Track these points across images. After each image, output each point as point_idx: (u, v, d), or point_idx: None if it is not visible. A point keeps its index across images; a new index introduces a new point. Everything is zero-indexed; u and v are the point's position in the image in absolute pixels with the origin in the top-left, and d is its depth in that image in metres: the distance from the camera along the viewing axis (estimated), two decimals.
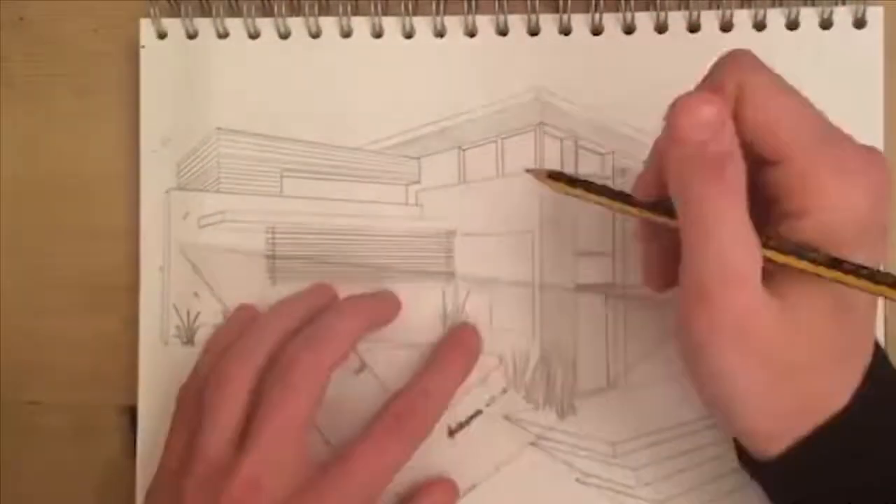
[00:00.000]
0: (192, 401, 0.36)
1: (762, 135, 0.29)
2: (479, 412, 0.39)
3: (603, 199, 0.32)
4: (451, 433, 0.39)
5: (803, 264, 0.28)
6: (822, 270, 0.28)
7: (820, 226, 0.28)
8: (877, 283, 0.28)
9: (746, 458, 0.32)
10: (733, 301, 0.28)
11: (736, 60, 0.30)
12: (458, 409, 0.39)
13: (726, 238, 0.28)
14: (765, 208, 0.30)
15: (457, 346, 0.38)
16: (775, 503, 0.33)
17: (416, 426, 0.35)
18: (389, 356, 0.39)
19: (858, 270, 0.28)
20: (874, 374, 0.31)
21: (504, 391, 0.39)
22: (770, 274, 0.29)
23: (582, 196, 0.33)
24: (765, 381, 0.29)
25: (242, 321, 0.39)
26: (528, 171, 0.36)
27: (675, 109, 0.28)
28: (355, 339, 0.37)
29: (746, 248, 0.28)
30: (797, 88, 0.30)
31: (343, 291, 0.39)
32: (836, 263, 0.28)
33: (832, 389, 0.30)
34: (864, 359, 0.31)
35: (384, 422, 0.35)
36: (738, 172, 0.28)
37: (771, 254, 0.28)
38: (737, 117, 0.29)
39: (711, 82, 0.30)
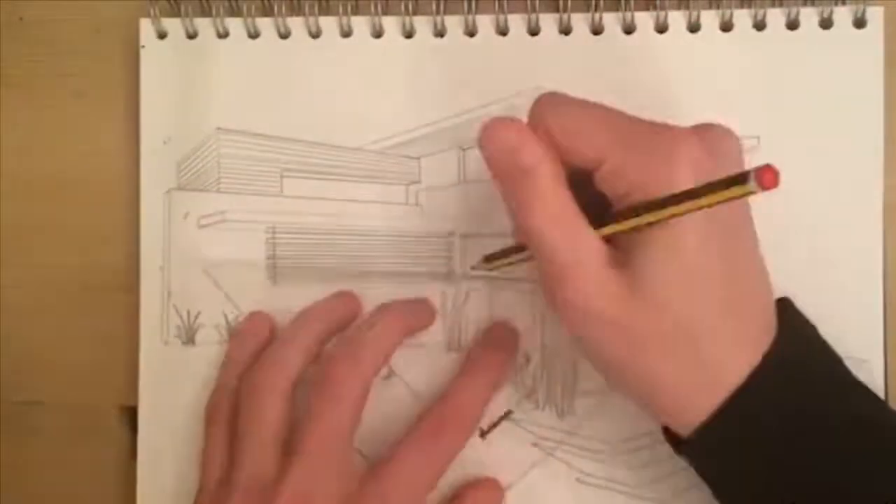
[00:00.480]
0: (225, 416, 0.36)
1: (573, 147, 0.31)
2: (509, 412, 0.39)
3: (519, 257, 0.35)
4: (483, 434, 0.39)
5: (630, 222, 0.30)
6: (650, 216, 0.29)
7: (643, 200, 0.30)
8: (707, 192, 0.27)
9: (668, 434, 0.33)
10: (572, 287, 0.30)
11: (536, 103, 0.32)
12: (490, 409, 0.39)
13: (548, 235, 0.30)
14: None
15: (492, 349, 0.38)
16: (708, 482, 0.33)
17: (453, 439, 0.36)
18: (417, 361, 0.39)
19: (687, 193, 0.28)
20: (781, 335, 0.31)
21: (531, 391, 0.39)
22: (625, 260, 0.30)
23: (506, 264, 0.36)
24: (637, 356, 0.30)
25: (257, 329, 0.39)
26: (472, 267, 0.39)
27: (479, 136, 0.31)
28: (393, 347, 0.37)
29: (573, 238, 0.30)
30: (597, 101, 0.32)
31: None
32: (662, 202, 0.29)
33: (731, 350, 0.30)
34: (761, 309, 0.31)
35: (422, 435, 0.35)
36: (546, 178, 0.30)
37: (603, 230, 0.30)
38: (554, 146, 0.31)
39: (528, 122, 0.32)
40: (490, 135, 0.31)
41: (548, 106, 0.32)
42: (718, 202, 0.27)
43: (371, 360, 0.35)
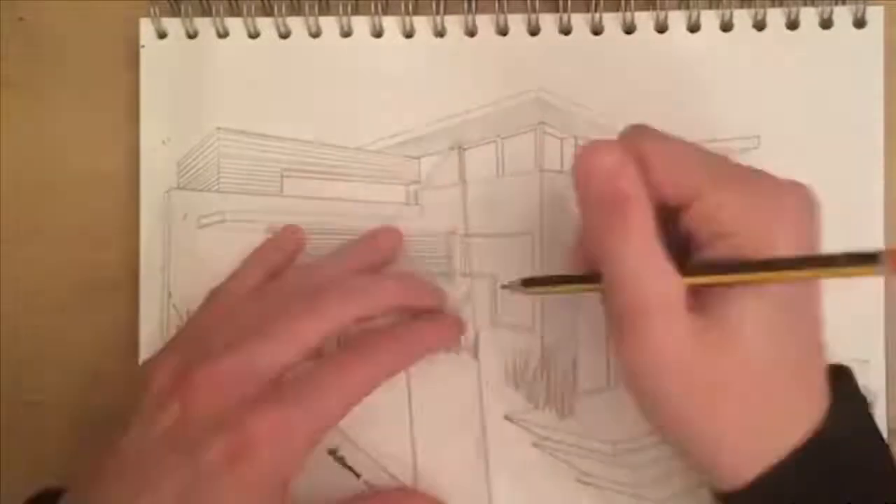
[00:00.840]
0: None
1: (669, 189, 0.30)
2: (334, 451, 0.39)
3: (569, 288, 0.35)
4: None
5: (727, 278, 0.29)
6: (745, 277, 0.29)
7: (733, 250, 0.29)
8: (827, 264, 0.28)
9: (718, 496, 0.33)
10: (651, 330, 0.29)
11: (632, 127, 0.32)
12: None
13: (635, 271, 0.29)
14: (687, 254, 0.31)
15: (445, 316, 0.39)
16: None
17: (384, 364, 0.35)
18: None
19: (786, 261, 0.28)
20: (839, 393, 0.31)
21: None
22: (703, 303, 0.29)
23: (550, 292, 0.36)
24: (705, 407, 0.29)
25: (289, 241, 0.39)
26: (503, 287, 0.38)
27: (577, 158, 0.30)
28: (385, 309, 0.37)
29: (659, 278, 0.29)
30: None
31: None
32: (763, 264, 0.29)
33: (791, 413, 0.30)
34: (820, 378, 0.31)
35: (353, 352, 0.35)
36: (642, 210, 0.30)
37: (692, 279, 0.29)
38: (645, 169, 0.30)
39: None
40: (588, 157, 0.30)
41: (644, 134, 0.31)
42: (837, 275, 0.27)
43: (354, 311, 0.35)
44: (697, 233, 0.30)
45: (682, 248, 0.30)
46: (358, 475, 0.39)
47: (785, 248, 0.29)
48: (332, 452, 0.38)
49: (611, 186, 0.30)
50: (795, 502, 0.30)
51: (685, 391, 0.29)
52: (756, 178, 0.30)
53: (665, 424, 0.31)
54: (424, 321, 0.38)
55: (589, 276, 0.33)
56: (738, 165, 0.31)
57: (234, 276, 0.38)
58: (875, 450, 0.32)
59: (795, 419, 0.30)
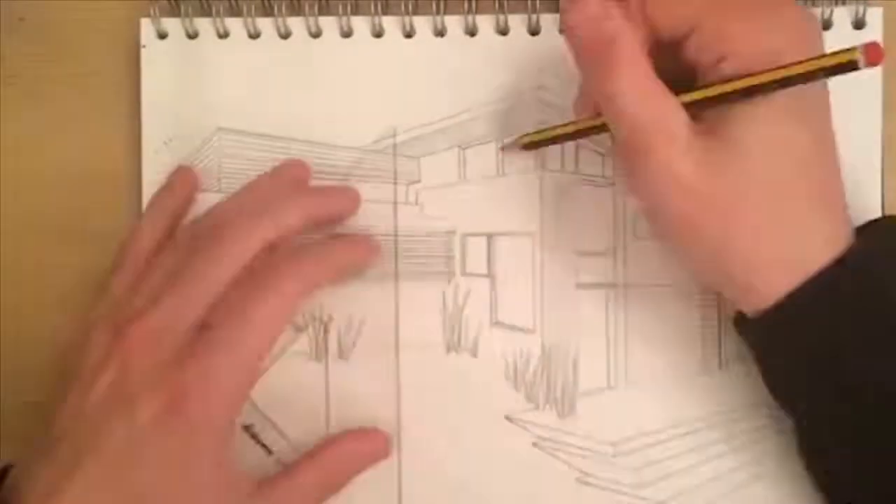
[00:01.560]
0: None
1: (669, 20, 0.31)
2: (251, 426, 0.39)
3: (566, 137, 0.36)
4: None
5: (720, 88, 0.30)
6: (742, 82, 0.29)
7: (739, 69, 0.30)
8: (811, 62, 0.28)
9: (740, 321, 0.33)
10: (654, 153, 0.30)
11: None
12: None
13: (629, 98, 0.30)
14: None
15: (358, 238, 0.39)
16: (766, 363, 0.33)
17: (297, 285, 0.35)
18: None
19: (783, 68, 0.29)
20: (868, 228, 0.31)
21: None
22: (709, 126, 0.30)
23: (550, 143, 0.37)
24: (721, 226, 0.30)
25: (180, 184, 0.39)
26: (502, 148, 0.39)
27: (562, 13, 0.32)
28: (294, 224, 0.36)
29: (653, 103, 0.30)
30: None
31: (344, 292, 0.39)
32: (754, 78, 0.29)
33: (811, 233, 0.30)
34: (840, 199, 0.31)
35: (263, 284, 0.34)
36: (629, 46, 0.31)
37: (688, 96, 0.30)
38: (646, 11, 0.31)
39: None
40: (571, 9, 0.31)
41: None
42: (822, 72, 0.28)
43: (267, 227, 0.35)
44: (700, 63, 0.31)
45: (688, 82, 0.31)
46: (270, 452, 0.39)
47: (790, 58, 0.29)
48: (247, 428, 0.39)
49: (596, 32, 0.30)
50: (822, 325, 0.30)
51: (695, 210, 0.30)
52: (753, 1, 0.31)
53: (681, 246, 0.32)
54: (330, 239, 0.38)
55: (586, 125, 0.35)
56: None
57: (137, 231, 0.38)
58: None
59: (817, 240, 0.30)
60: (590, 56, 0.31)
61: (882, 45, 0.27)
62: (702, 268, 0.33)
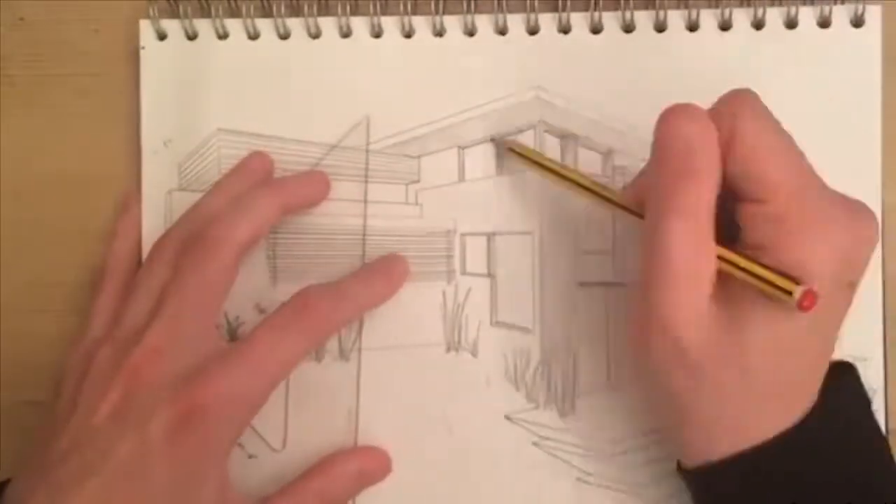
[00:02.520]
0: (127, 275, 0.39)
1: (748, 171, 0.30)
2: None
3: (571, 185, 0.36)
4: None
5: (744, 262, 0.30)
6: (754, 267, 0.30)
7: (780, 265, 0.30)
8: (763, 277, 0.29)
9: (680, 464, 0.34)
10: (668, 295, 0.30)
11: (738, 96, 0.31)
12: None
13: (677, 237, 0.29)
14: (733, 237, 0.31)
15: (384, 271, 0.39)
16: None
17: (319, 323, 0.35)
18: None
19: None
20: (834, 389, 0.32)
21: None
22: (728, 295, 0.30)
23: (551, 177, 0.37)
24: (696, 386, 0.30)
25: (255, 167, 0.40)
26: (492, 140, 0.39)
27: (663, 115, 0.30)
28: (271, 218, 0.37)
29: (694, 253, 0.30)
30: (789, 132, 0.32)
31: None
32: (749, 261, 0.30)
33: (780, 410, 0.31)
34: (817, 383, 0.32)
35: (287, 309, 0.35)
36: (707, 189, 0.30)
37: (721, 251, 0.30)
38: (728, 149, 0.30)
39: (711, 111, 0.31)
40: (672, 121, 0.30)
41: (743, 109, 0.31)
42: (762, 283, 0.29)
43: (243, 229, 0.35)
44: (747, 232, 0.31)
45: (722, 223, 0.31)
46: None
47: (819, 279, 0.29)
48: None
49: (685, 155, 0.30)
50: (765, 484, 0.31)
51: (680, 368, 0.30)
52: (826, 202, 0.31)
53: (653, 388, 0.32)
54: (363, 277, 0.38)
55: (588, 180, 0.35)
56: (823, 186, 0.31)
57: (114, 254, 0.39)
58: (866, 444, 0.32)
59: (782, 414, 0.31)
60: (666, 172, 0.30)
61: (808, 294, 0.28)
62: (660, 413, 0.33)
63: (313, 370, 0.39)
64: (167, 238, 0.37)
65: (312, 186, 0.39)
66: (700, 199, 0.30)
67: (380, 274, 0.38)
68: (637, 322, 0.31)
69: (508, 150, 0.38)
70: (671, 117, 0.30)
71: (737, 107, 0.31)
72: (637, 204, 0.33)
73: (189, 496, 0.33)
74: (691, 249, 0.30)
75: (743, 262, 0.30)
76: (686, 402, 0.31)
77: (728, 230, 0.31)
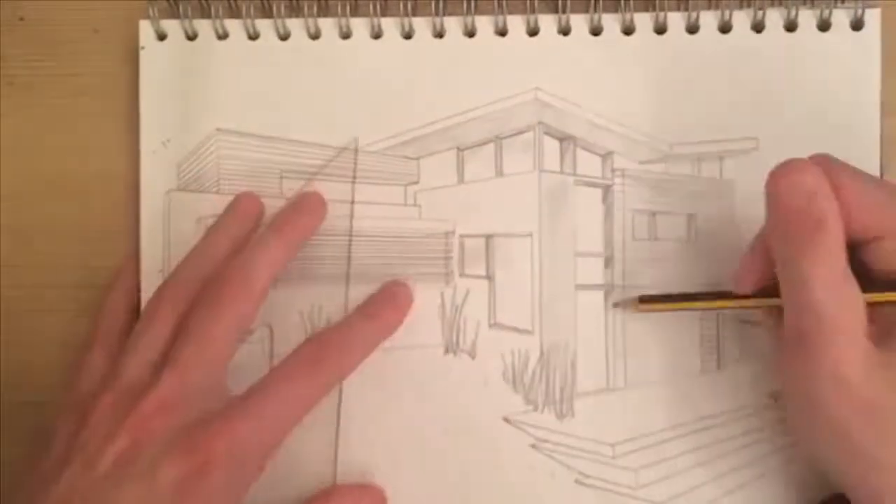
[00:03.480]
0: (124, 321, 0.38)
1: (858, 219, 0.31)
2: None
3: (699, 305, 0.36)
4: None
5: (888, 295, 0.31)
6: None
7: None
8: None
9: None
10: (830, 348, 0.29)
11: (825, 160, 0.32)
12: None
13: (822, 288, 0.29)
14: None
15: (389, 299, 0.39)
16: None
17: (331, 369, 0.35)
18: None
19: None
20: None
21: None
22: (885, 334, 0.30)
23: (679, 308, 0.37)
24: (868, 430, 0.30)
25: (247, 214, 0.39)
26: (615, 305, 0.39)
27: (774, 174, 0.30)
28: (282, 260, 0.37)
29: (844, 299, 0.30)
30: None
31: (343, 293, 0.39)
32: None
33: None
34: None
35: (300, 360, 0.35)
36: (838, 232, 0.30)
37: (870, 296, 0.30)
38: (842, 199, 0.31)
39: None
40: (787, 174, 0.30)
41: (837, 165, 0.31)
42: None
43: (252, 288, 0.35)
44: (873, 268, 0.31)
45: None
46: None
47: None
48: None
49: (808, 206, 0.30)
50: None
51: (859, 416, 0.30)
52: None
53: (827, 447, 0.31)
54: (363, 317, 0.38)
55: (713, 293, 0.35)
56: None
57: (108, 307, 0.39)
58: None
59: None
60: (793, 230, 0.30)
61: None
62: (822, 454, 0.32)
63: None
64: (168, 287, 0.36)
65: (310, 216, 0.39)
66: (836, 245, 0.30)
67: (386, 305, 0.38)
68: (793, 376, 0.31)
69: (638, 305, 0.37)
70: (785, 173, 0.30)
71: (827, 162, 0.31)
72: (763, 261, 0.33)
73: None
74: (841, 297, 0.30)
75: (888, 296, 0.31)
76: (855, 447, 0.30)
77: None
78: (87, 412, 0.34)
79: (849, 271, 0.30)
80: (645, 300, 0.37)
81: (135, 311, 0.39)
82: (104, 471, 0.32)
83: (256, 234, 0.38)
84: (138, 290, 0.39)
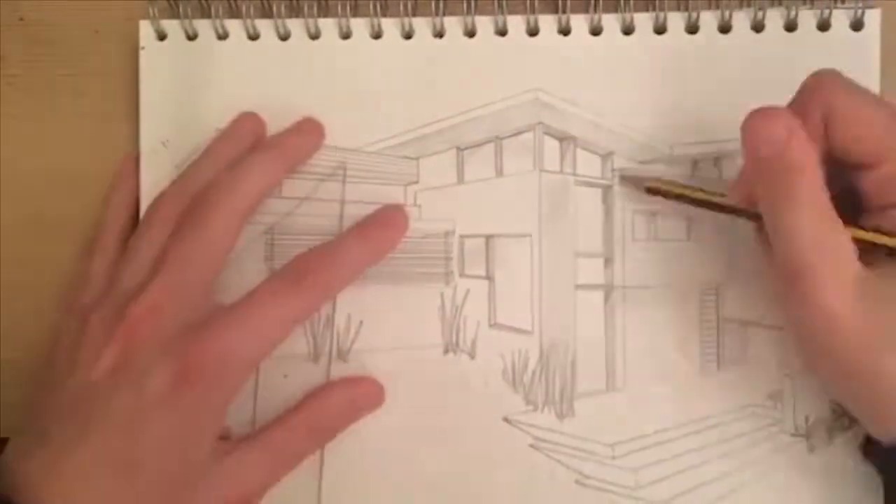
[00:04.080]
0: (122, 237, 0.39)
1: (853, 147, 0.31)
2: None
3: (700, 195, 0.36)
4: None
5: (885, 238, 0.31)
6: None
7: None
8: None
9: (867, 445, 0.34)
10: (821, 287, 0.30)
11: (821, 84, 0.32)
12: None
13: (803, 235, 0.30)
14: (858, 210, 0.32)
15: (382, 221, 0.38)
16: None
17: (317, 285, 0.35)
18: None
19: None
20: None
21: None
22: (873, 260, 0.31)
23: (673, 200, 0.37)
24: (873, 361, 0.30)
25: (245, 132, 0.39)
26: (623, 178, 0.39)
27: (744, 124, 0.31)
28: (272, 180, 0.37)
29: (827, 243, 0.30)
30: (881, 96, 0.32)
31: (343, 294, 0.39)
32: None
33: None
34: None
35: (286, 273, 0.35)
36: (812, 179, 0.30)
37: (855, 232, 0.31)
38: (827, 135, 0.31)
39: (796, 107, 0.32)
40: (755, 124, 0.31)
41: (833, 86, 0.32)
42: None
43: (245, 194, 0.36)
44: (870, 196, 0.31)
45: (849, 197, 0.31)
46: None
47: None
48: None
49: (779, 156, 0.30)
50: None
51: (853, 345, 0.30)
52: None
53: (831, 375, 0.32)
54: (358, 236, 0.38)
55: (721, 204, 0.35)
56: None
57: (110, 215, 0.39)
58: None
59: None
60: (769, 178, 0.31)
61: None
62: (837, 388, 0.33)
63: (311, 371, 0.39)
64: (164, 199, 0.37)
65: (307, 137, 0.39)
66: (813, 190, 0.30)
67: (377, 228, 0.38)
68: (795, 316, 0.31)
69: (647, 190, 0.37)
70: (757, 121, 0.31)
71: (822, 84, 0.32)
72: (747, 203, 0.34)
73: (187, 451, 0.33)
74: (824, 236, 0.30)
75: (873, 236, 0.31)
76: (864, 377, 0.30)
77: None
78: (85, 322, 0.35)
79: (831, 212, 0.30)
80: (653, 189, 0.37)
81: (135, 216, 0.39)
82: (98, 379, 0.33)
83: (252, 150, 0.38)
84: (137, 190, 0.40)
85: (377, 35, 0.40)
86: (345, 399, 0.38)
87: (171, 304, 0.34)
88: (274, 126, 0.40)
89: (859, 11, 0.38)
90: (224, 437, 0.36)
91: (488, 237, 0.39)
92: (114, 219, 0.39)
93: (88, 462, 0.32)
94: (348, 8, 0.39)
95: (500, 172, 0.39)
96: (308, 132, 0.39)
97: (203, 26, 0.40)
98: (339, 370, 0.39)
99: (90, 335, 0.34)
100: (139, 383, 0.33)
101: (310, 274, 0.35)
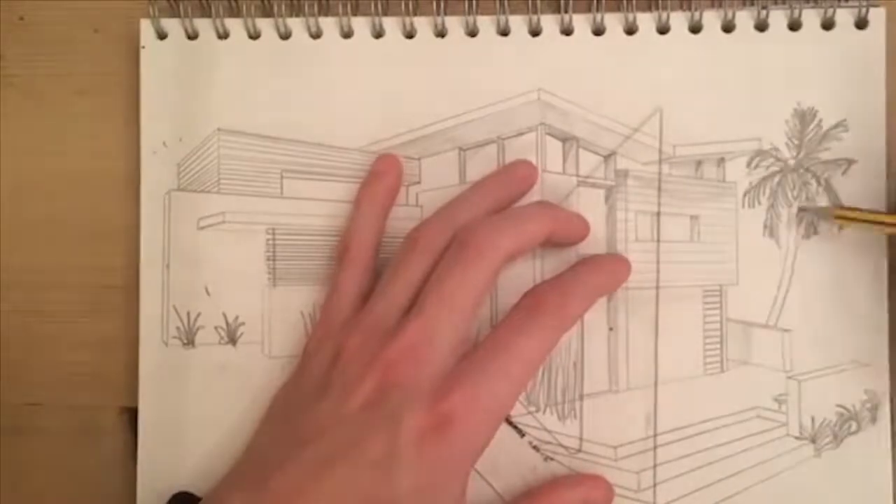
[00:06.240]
0: (369, 256, 0.38)
1: None
2: None
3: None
4: None
5: None
6: None
7: None
8: None
9: None
10: None
11: None
12: None
13: None
14: None
15: (609, 259, 0.38)
16: None
17: (553, 316, 0.35)
18: None
19: None
20: None
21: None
22: None
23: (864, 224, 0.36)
24: None
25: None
26: (802, 209, 0.38)
27: None
28: (538, 238, 0.36)
29: None
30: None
31: None
32: None
33: None
34: None
35: (520, 314, 0.35)
36: None
37: None
38: None
39: None
40: None
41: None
42: None
43: (510, 238, 0.35)
44: None
45: None
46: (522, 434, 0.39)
47: None
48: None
49: None
50: None
51: None
52: None
53: None
54: (588, 267, 0.37)
55: None
56: None
57: (357, 225, 0.38)
58: None
59: None
60: None
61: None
62: None
63: None
64: (425, 229, 0.36)
65: (578, 227, 0.38)
66: None
67: (606, 263, 0.38)
68: None
69: (835, 218, 0.37)
70: None
71: None
72: None
73: (436, 500, 0.33)
74: None
75: None
76: None
77: None
78: (340, 348, 0.35)
79: None
80: (839, 214, 0.36)
81: (380, 229, 0.39)
82: (351, 412, 0.33)
83: (520, 205, 0.38)
84: (395, 194, 0.39)
85: (378, 34, 0.39)
86: (578, 498, 0.37)
87: (426, 349, 0.33)
88: (274, 125, 0.39)
89: (864, 10, 0.37)
90: None
91: None
92: (363, 227, 0.38)
93: (335, 492, 0.32)
94: (349, 7, 0.39)
95: None
96: (580, 224, 0.38)
97: (204, 25, 0.40)
98: None
99: (346, 362, 0.34)
100: (393, 426, 0.32)
101: (543, 305, 0.35)
